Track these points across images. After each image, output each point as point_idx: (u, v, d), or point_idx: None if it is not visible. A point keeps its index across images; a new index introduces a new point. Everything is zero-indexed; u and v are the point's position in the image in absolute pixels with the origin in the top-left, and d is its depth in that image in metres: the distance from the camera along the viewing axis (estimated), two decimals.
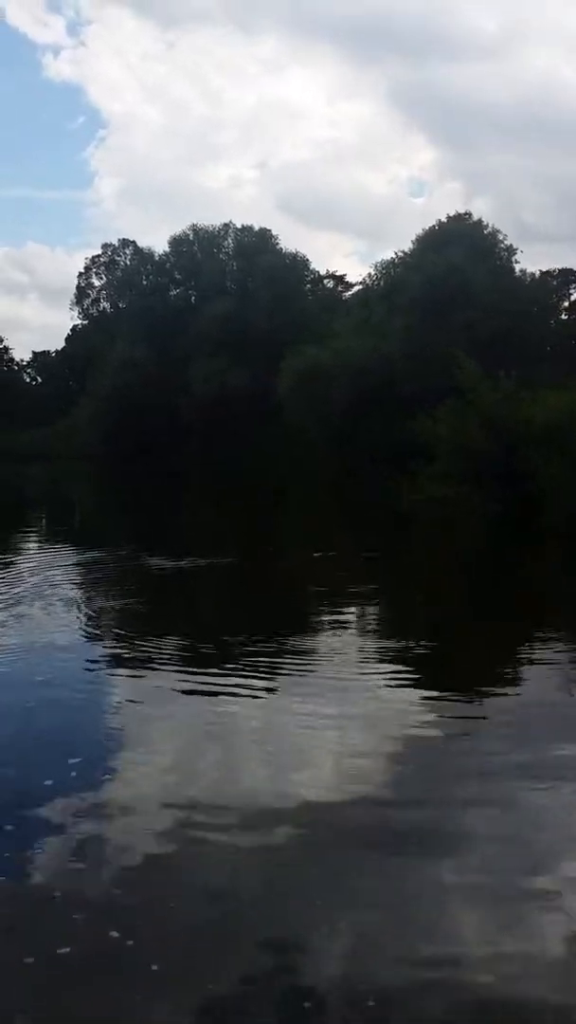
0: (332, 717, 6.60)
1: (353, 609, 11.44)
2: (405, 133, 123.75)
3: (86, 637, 9.39)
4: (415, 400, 40.29)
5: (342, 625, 10.28)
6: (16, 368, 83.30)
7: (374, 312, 44.07)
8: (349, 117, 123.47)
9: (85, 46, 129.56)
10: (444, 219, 44.36)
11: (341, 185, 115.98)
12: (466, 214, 45.36)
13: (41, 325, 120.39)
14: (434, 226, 43.94)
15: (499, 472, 17.67)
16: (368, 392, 40.18)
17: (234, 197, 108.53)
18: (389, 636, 9.99)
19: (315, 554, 16.25)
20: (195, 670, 7.91)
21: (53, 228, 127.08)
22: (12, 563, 15.12)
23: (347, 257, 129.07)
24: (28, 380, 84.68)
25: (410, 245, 45.59)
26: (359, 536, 20.04)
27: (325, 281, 68.30)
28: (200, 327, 59.22)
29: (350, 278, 67.84)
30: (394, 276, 45.61)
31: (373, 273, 47.92)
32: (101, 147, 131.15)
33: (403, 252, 45.74)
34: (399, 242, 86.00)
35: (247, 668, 7.84)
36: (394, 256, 46.78)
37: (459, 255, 39.19)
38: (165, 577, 13.80)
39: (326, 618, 10.74)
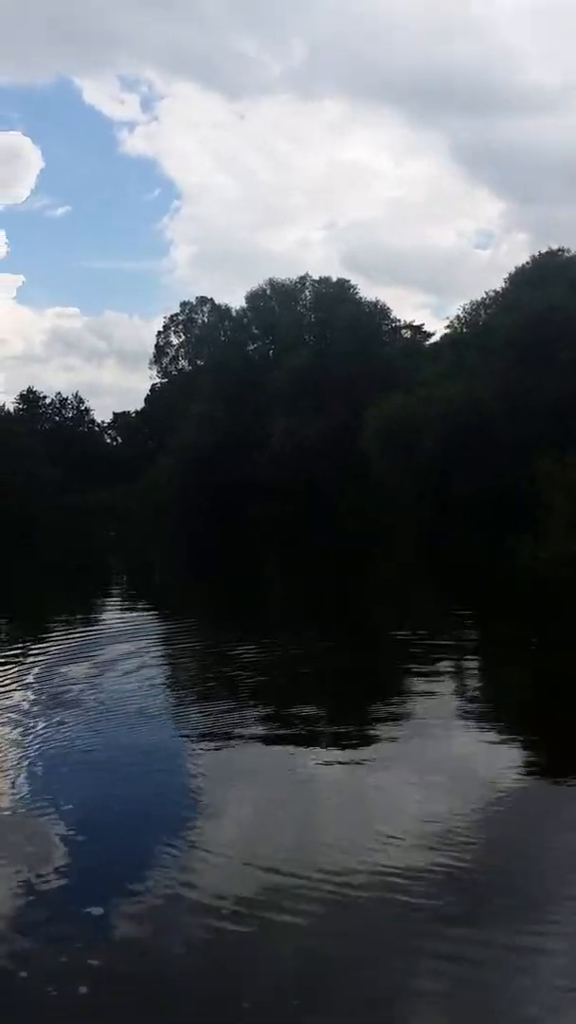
0: None
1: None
2: (470, 187, 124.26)
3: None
4: (513, 447, 37.17)
5: None
6: (97, 429, 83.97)
7: (465, 356, 41.29)
8: (414, 174, 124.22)
9: (158, 120, 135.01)
10: (537, 255, 41.56)
11: (407, 241, 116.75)
12: (560, 250, 42.43)
13: (120, 390, 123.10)
14: (526, 263, 41.25)
15: None
16: (462, 440, 37.16)
17: (302, 257, 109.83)
18: None
19: (440, 640, 13.30)
20: None
21: (130, 297, 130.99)
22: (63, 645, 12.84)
23: (416, 311, 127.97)
24: (109, 441, 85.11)
25: (482, 293, 43.49)
26: (483, 609, 16.65)
27: (403, 332, 66.10)
28: (278, 381, 57.68)
29: (427, 328, 65.59)
30: (485, 317, 42.91)
31: (461, 315, 45.31)
32: (176, 217, 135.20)
33: (494, 291, 43.10)
34: (467, 294, 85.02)
35: None
36: (484, 296, 44.19)
37: (558, 292, 36.18)
38: (250, 679, 11.13)
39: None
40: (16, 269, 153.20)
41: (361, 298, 61.47)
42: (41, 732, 8.35)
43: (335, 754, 7.58)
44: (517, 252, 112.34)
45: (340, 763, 7.29)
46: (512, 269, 43.39)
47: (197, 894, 4.81)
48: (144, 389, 77.13)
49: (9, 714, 9.10)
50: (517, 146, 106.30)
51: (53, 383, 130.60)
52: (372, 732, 8.39)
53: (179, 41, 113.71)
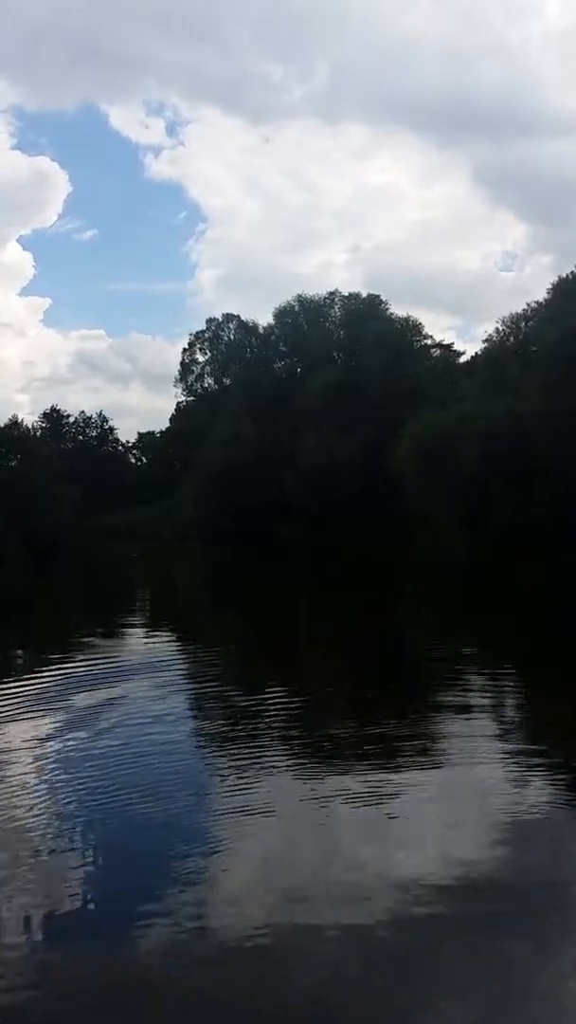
0: None
1: None
2: (493, 210, 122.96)
3: None
4: (558, 465, 34.96)
5: None
6: (122, 449, 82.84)
7: (505, 370, 39.23)
8: (437, 197, 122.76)
9: (184, 145, 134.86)
10: None
11: (431, 263, 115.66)
12: None
13: (145, 411, 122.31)
14: (571, 273, 39.16)
15: None
16: (500, 459, 35.05)
17: (326, 280, 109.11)
18: None
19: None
20: None
21: (155, 319, 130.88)
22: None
23: (442, 333, 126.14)
24: (134, 461, 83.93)
25: (519, 308, 41.59)
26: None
27: (432, 350, 64.03)
28: (307, 398, 55.97)
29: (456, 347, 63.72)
30: (526, 330, 40.88)
31: (501, 328, 43.26)
32: (201, 240, 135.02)
33: (536, 303, 41.04)
34: (492, 317, 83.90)
35: None
36: (525, 308, 42.14)
37: None
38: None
39: None
40: (43, 292, 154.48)
41: (392, 314, 59.81)
42: None
43: None
44: (541, 274, 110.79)
45: None
46: (538, 291, 41.60)
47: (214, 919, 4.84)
48: (169, 411, 75.97)
49: None
50: (540, 169, 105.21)
51: (78, 405, 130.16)
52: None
53: (204, 66, 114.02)
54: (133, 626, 20.04)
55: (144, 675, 12.60)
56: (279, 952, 4.44)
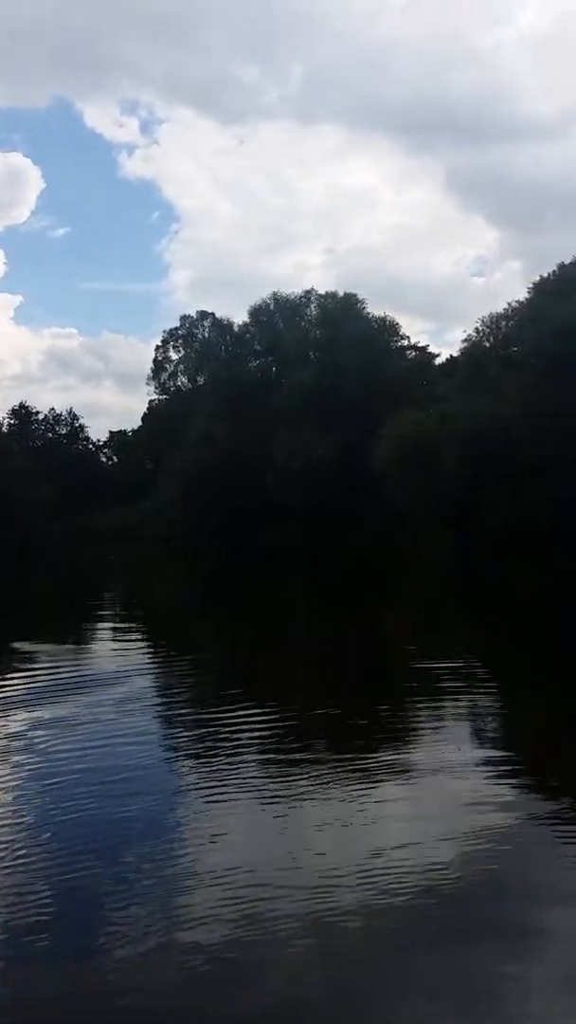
0: None
1: None
2: (466, 215, 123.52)
3: None
4: (542, 465, 34.73)
5: None
6: (92, 448, 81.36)
7: (485, 370, 38.99)
8: (412, 201, 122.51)
9: (158, 144, 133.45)
10: (566, 263, 39.28)
11: (405, 267, 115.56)
12: None
13: (118, 411, 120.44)
14: (552, 273, 39.05)
15: None
16: (486, 459, 34.78)
17: (301, 282, 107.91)
18: None
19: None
20: None
21: (128, 318, 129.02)
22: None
23: (415, 337, 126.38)
24: (105, 460, 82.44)
25: (500, 308, 41.41)
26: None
27: (408, 352, 63.72)
28: (283, 398, 55.33)
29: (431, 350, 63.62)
30: (506, 330, 40.68)
31: (480, 328, 42.98)
32: (175, 240, 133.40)
33: (517, 302, 40.86)
34: (465, 322, 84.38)
35: None
36: (506, 308, 41.93)
37: None
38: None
39: None
40: (14, 289, 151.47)
41: (369, 313, 59.42)
42: None
43: None
44: (511, 280, 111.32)
45: None
46: (507, 296, 41.70)
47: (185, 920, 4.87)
48: (141, 411, 74.73)
49: None
50: (511, 175, 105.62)
51: (49, 404, 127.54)
52: None
53: (179, 67, 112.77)
54: (100, 632, 19.12)
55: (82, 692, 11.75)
56: (247, 965, 4.39)
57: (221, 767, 7.83)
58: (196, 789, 7.25)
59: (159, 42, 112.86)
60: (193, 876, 5.44)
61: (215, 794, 7.03)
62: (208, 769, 7.82)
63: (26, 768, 7.85)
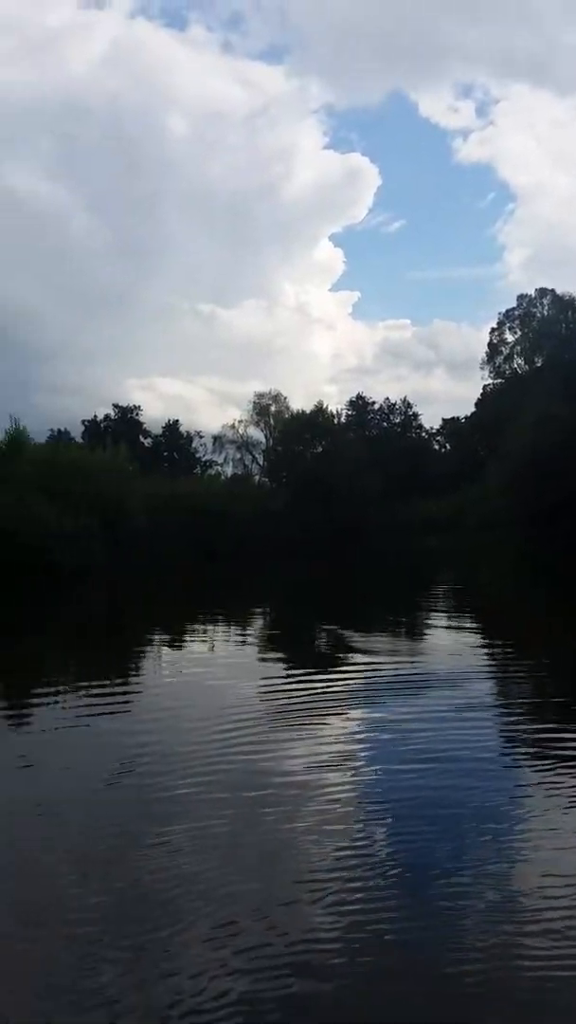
0: None
1: None
2: None
3: None
4: None
5: None
6: (426, 436, 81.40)
7: None
8: None
9: (494, 125, 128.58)
10: None
11: None
12: None
13: (449, 399, 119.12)
14: None
15: None
16: None
17: None
18: None
19: None
20: None
21: (460, 305, 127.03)
22: None
23: None
24: (437, 448, 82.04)
25: None
26: None
27: None
28: None
29: None
30: None
31: None
32: (510, 220, 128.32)
33: None
34: None
35: None
36: None
37: None
38: None
39: None
40: (353, 286, 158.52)
41: None
42: None
43: None
44: None
45: None
46: None
47: None
48: (472, 398, 72.80)
49: None
50: None
51: (382, 394, 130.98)
52: None
53: (511, 40, 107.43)
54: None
55: None
56: None
57: None
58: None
59: (489, 20, 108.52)
60: None
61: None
62: None
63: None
